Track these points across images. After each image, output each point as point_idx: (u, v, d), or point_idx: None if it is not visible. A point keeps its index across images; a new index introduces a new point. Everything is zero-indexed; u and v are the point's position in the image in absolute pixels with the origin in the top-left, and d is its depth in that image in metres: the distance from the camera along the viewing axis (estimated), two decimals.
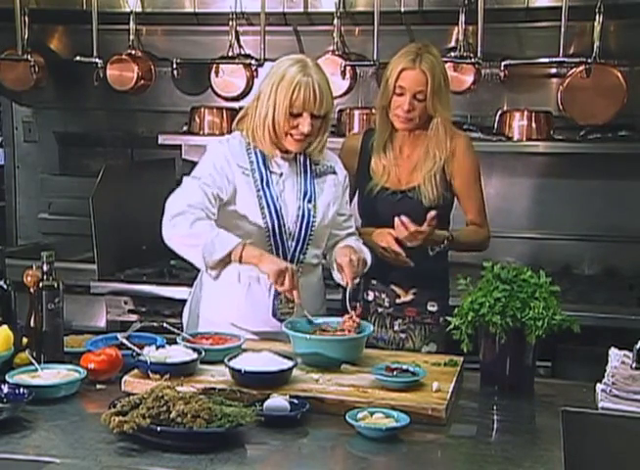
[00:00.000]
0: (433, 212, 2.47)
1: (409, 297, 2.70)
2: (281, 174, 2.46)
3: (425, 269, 2.59)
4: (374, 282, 2.72)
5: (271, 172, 2.45)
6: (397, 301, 2.71)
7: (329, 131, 2.49)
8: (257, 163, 2.44)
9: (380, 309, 2.73)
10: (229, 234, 2.30)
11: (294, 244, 2.44)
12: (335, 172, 2.55)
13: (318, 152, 2.49)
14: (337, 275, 2.50)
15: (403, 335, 2.71)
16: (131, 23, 3.84)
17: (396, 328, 2.71)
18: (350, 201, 2.71)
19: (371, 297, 2.74)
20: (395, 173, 2.68)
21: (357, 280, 2.45)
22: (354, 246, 2.49)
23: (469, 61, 3.45)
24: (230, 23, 3.73)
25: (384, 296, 2.72)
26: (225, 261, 2.28)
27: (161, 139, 3.90)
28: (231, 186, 2.40)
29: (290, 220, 2.43)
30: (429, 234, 2.49)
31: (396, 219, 2.49)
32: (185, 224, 2.27)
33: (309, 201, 2.46)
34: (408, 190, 2.66)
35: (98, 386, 2.13)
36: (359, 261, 2.40)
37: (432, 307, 2.69)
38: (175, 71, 3.84)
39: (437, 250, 2.60)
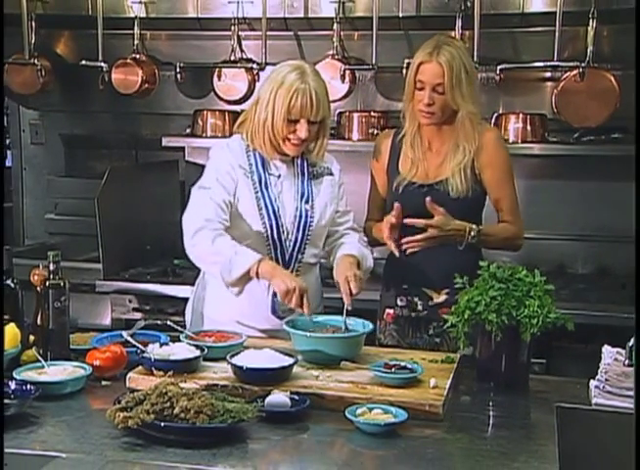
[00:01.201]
0: (428, 198, 2.42)
1: (442, 297, 2.62)
2: (279, 176, 2.49)
3: (456, 268, 2.38)
4: (405, 286, 2.67)
5: (269, 174, 2.48)
6: (430, 303, 2.64)
7: (328, 135, 2.51)
8: (256, 165, 2.47)
9: (413, 314, 2.66)
10: (246, 251, 2.32)
11: (292, 244, 2.46)
12: (331, 173, 2.57)
13: (321, 156, 2.52)
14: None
15: (438, 339, 2.63)
16: (136, 27, 3.86)
17: (431, 332, 2.64)
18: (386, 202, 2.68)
19: (404, 302, 2.67)
20: (424, 167, 2.61)
21: (356, 294, 2.34)
22: (356, 254, 2.47)
23: None
24: (232, 27, 3.74)
25: (416, 299, 2.65)
26: (246, 278, 2.30)
27: (165, 141, 3.92)
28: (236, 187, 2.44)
29: (288, 221, 2.46)
30: (430, 237, 2.43)
31: (396, 204, 2.46)
32: (206, 242, 2.31)
33: (307, 202, 2.48)
34: (435, 183, 2.58)
35: (103, 382, 2.15)
36: (356, 278, 2.34)
37: None
38: (179, 75, 3.87)
39: (466, 243, 2.49)
